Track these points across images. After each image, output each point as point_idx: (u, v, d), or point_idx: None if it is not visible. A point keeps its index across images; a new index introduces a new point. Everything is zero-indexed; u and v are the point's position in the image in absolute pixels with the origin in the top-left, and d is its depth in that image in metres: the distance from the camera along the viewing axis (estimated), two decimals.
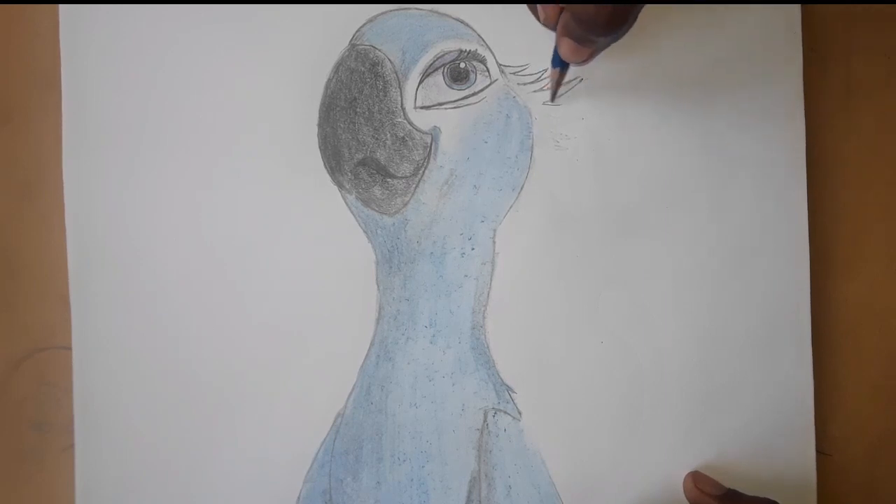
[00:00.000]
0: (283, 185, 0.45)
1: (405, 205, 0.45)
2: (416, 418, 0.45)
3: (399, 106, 0.45)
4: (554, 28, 0.38)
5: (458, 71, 0.45)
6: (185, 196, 0.44)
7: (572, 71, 0.43)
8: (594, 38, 0.37)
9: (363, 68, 0.44)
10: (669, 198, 0.46)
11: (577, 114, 0.45)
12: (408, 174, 0.45)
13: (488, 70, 0.45)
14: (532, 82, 0.45)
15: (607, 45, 0.38)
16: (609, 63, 0.43)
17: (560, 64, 0.42)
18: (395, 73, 0.44)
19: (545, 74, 0.45)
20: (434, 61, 0.44)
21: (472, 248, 0.45)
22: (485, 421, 0.45)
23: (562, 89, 0.45)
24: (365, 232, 0.45)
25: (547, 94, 0.45)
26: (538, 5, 0.38)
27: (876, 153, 0.49)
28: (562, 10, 0.37)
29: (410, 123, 0.45)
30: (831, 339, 0.48)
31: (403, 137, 0.45)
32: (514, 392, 0.45)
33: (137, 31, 0.44)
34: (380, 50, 0.44)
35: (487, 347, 0.45)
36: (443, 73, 0.45)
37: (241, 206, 0.45)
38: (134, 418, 0.44)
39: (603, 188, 0.46)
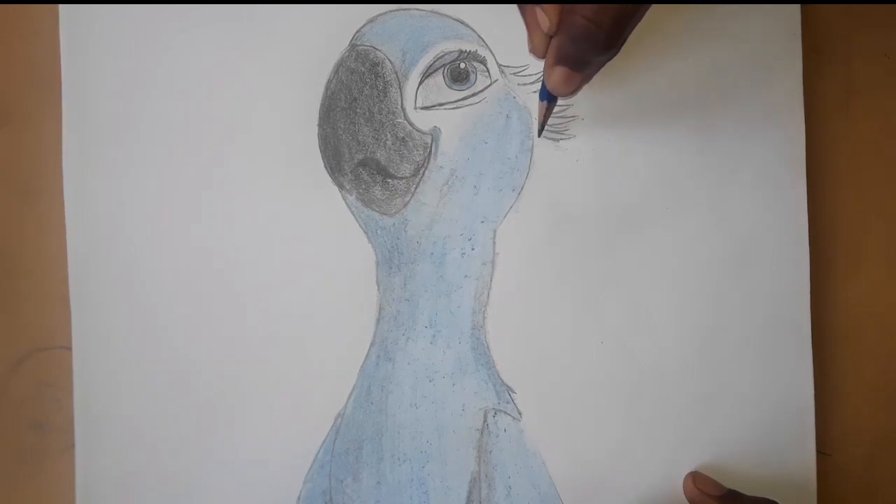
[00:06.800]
0: (284, 186, 0.45)
1: (405, 205, 0.45)
2: (417, 418, 0.45)
3: (399, 106, 0.45)
4: (541, 57, 0.37)
5: (459, 71, 0.45)
6: (185, 196, 0.44)
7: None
8: (591, 59, 0.35)
9: (363, 69, 0.44)
10: (669, 198, 0.46)
11: (577, 114, 0.45)
12: (408, 175, 0.45)
13: (488, 70, 0.45)
14: (532, 83, 0.45)
15: (599, 67, 0.37)
16: (609, 63, 0.43)
17: (548, 97, 0.41)
18: (396, 73, 0.44)
19: None
20: (434, 62, 0.44)
21: (473, 249, 0.45)
22: (485, 421, 0.45)
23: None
24: (365, 232, 0.45)
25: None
26: (527, 32, 0.37)
27: (876, 153, 0.49)
28: (551, 37, 0.35)
29: (411, 124, 0.45)
30: (831, 339, 0.48)
31: (403, 138, 0.45)
32: (514, 392, 0.45)
33: (137, 31, 0.44)
34: (380, 50, 0.44)
35: (487, 348, 0.45)
36: (443, 73, 0.45)
37: (241, 206, 0.44)
38: (134, 418, 0.44)
39: (603, 188, 0.46)
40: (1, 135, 0.45)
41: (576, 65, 0.36)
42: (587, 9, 0.33)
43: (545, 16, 0.34)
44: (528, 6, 0.36)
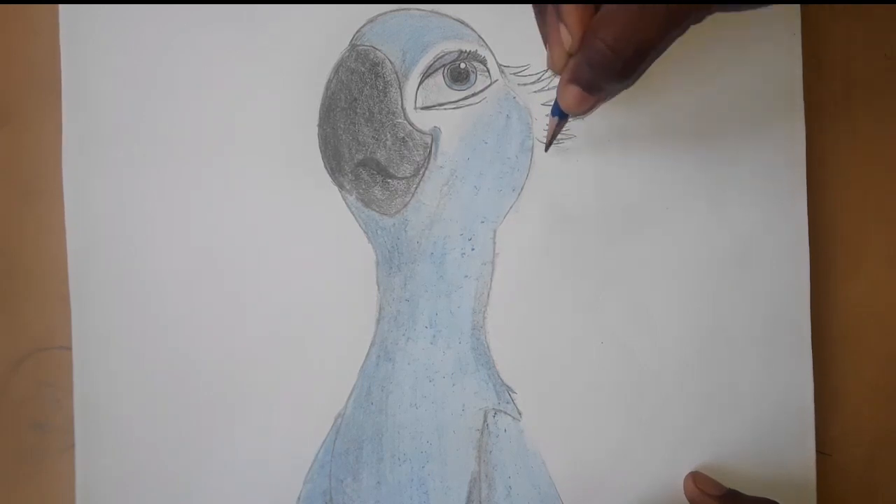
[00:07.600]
0: (284, 186, 0.45)
1: (405, 205, 0.45)
2: (417, 419, 0.45)
3: (399, 106, 0.45)
4: (560, 73, 0.36)
5: (459, 71, 0.45)
6: (185, 196, 0.44)
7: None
8: (604, 86, 0.35)
9: (363, 69, 0.44)
10: (669, 198, 0.46)
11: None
12: (408, 175, 0.45)
13: (488, 70, 0.45)
14: (532, 83, 0.45)
15: (613, 95, 0.36)
16: None
17: (560, 114, 0.40)
18: (396, 73, 0.44)
19: (546, 75, 0.45)
20: (434, 62, 0.44)
21: (473, 249, 0.45)
22: (485, 421, 0.45)
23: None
24: (365, 232, 0.45)
25: (545, 95, 0.45)
26: (546, 46, 0.36)
27: (876, 154, 0.49)
28: (570, 56, 0.35)
29: (411, 124, 0.45)
30: (831, 339, 0.48)
31: (404, 138, 0.45)
32: (514, 392, 0.45)
33: (137, 31, 0.44)
34: (380, 50, 0.44)
35: (488, 348, 0.45)
36: (443, 73, 0.45)
37: (240, 206, 0.45)
38: (134, 418, 0.44)
39: (603, 188, 0.46)
40: (1, 135, 0.45)
41: (589, 88, 0.35)
42: (609, 35, 0.32)
43: (568, 33, 0.34)
44: (552, 21, 0.35)
